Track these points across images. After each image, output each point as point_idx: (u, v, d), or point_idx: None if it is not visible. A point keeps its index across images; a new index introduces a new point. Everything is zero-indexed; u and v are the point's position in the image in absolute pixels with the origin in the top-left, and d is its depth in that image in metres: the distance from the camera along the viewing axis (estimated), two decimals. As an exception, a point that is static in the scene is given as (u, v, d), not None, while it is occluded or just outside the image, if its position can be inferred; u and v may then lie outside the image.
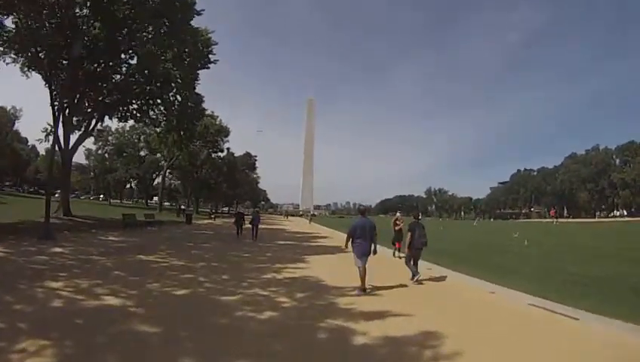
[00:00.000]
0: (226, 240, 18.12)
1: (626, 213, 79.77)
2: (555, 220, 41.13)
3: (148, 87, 24.55)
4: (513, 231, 27.16)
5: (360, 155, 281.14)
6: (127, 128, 61.86)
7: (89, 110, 25.07)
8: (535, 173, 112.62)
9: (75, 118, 24.45)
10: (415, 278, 8.17)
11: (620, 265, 10.33)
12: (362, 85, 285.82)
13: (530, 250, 15.15)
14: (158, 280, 7.34)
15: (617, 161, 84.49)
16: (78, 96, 22.92)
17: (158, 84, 22.57)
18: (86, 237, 14.96)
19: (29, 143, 71.81)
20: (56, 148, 18.70)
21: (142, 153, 65.17)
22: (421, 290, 7.67)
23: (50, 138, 23.22)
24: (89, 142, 67.71)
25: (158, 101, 26.21)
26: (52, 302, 5.39)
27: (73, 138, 24.05)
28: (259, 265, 9.98)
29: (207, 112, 32.91)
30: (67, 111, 22.81)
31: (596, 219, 61.63)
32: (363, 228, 7.11)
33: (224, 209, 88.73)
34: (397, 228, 12.42)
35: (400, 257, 11.48)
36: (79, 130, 25.16)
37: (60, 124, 22.55)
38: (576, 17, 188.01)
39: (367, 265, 7.04)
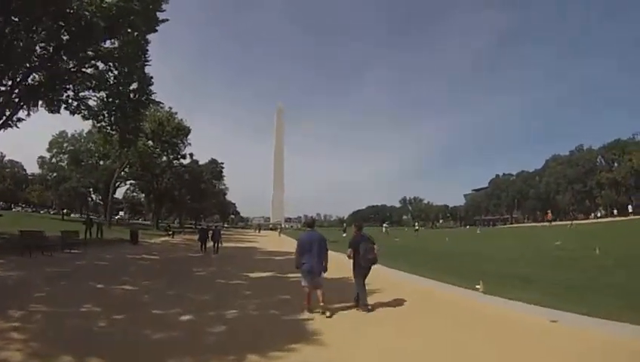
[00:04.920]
0: (170, 272, 12.22)
1: (603, 213, 77.80)
2: (570, 223, 40.75)
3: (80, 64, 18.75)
4: (538, 238, 24.29)
5: (332, 166, 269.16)
6: (85, 133, 54.63)
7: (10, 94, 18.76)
8: (514, 178, 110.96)
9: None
10: (361, 304, 6.54)
11: None
12: (333, 93, 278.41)
13: (626, 261, 11.25)
14: None
15: (602, 160, 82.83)
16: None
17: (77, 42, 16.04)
18: None
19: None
20: None
21: (102, 162, 57.17)
22: None
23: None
24: (43, 150, 60.05)
25: (96, 83, 20.20)
26: None
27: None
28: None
29: (163, 106, 26.75)
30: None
31: (592, 220, 59.09)
32: (310, 243, 6.36)
33: (191, 223, 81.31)
34: None
35: None
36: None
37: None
38: (547, 17, 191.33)
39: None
